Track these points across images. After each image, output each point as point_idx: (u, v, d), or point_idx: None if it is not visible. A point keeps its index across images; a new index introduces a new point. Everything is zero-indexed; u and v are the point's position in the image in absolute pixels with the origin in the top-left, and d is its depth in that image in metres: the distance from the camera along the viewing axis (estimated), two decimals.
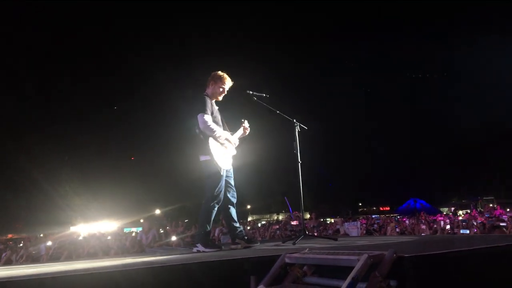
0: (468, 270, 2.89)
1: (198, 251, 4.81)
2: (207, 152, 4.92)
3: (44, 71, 41.61)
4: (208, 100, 5.09)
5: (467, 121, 44.27)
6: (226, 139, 5.17)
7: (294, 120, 5.62)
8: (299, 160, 5.54)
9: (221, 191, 5.03)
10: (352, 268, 2.55)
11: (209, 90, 5.26)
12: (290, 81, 48.84)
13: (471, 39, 43.46)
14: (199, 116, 4.95)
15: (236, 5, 46.87)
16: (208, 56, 41.04)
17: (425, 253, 2.79)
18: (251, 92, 5.38)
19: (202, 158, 5.04)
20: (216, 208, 5.02)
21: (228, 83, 5.29)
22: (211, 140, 4.95)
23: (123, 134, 44.09)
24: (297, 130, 5.59)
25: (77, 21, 43.09)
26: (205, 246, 4.82)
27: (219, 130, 5.06)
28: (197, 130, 5.00)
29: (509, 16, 42.80)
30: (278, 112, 5.58)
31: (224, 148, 5.12)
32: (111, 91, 46.80)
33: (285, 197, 40.02)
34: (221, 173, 4.98)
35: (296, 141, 5.56)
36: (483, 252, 3.00)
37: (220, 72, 5.28)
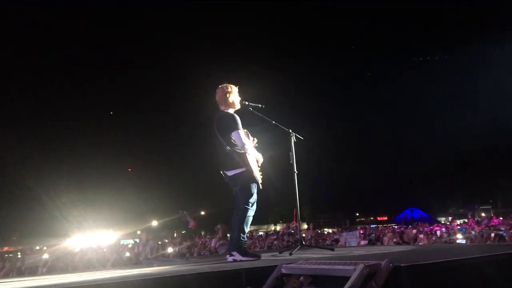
0: (465, 280, 2.88)
1: (235, 260, 4.67)
2: (242, 165, 4.91)
3: (42, 79, 41.71)
4: (238, 117, 5.10)
5: (464, 130, 44.36)
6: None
7: (290, 131, 5.62)
8: (295, 171, 5.53)
9: (255, 201, 5.07)
10: (349, 278, 2.54)
11: (230, 108, 5.26)
12: (287, 92, 49.02)
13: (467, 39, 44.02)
14: (234, 133, 4.94)
15: (234, 14, 47.35)
16: (205, 64, 41.29)
17: (422, 262, 2.78)
18: (246, 103, 5.38)
19: (236, 171, 4.99)
20: (251, 216, 5.01)
21: (235, 89, 5.33)
22: (247, 154, 4.96)
23: (120, 146, 44.05)
24: (293, 140, 5.59)
25: (80, 25, 43.42)
26: (243, 254, 4.71)
27: (251, 147, 5.12)
28: (227, 148, 4.93)
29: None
30: (274, 122, 5.58)
31: (255, 162, 5.15)
32: (110, 103, 46.92)
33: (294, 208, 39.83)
34: (260, 187, 5.06)
35: (292, 151, 5.56)
36: (481, 261, 2.99)
37: (225, 87, 5.30)
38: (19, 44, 39.89)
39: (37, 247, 21.28)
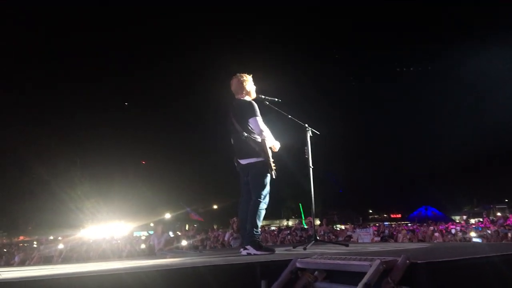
0: (482, 278, 2.84)
1: (249, 254, 4.62)
2: (259, 152, 4.83)
3: (56, 72, 42.07)
4: (256, 104, 5.05)
5: (480, 129, 43.90)
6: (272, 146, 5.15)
7: (306, 125, 5.56)
8: (311, 165, 5.48)
9: (268, 193, 4.98)
10: (364, 274, 2.51)
11: (247, 96, 5.22)
12: (302, 86, 48.93)
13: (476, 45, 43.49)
14: (252, 120, 4.91)
15: (252, 11, 47.38)
16: (221, 59, 41.38)
17: (439, 259, 2.75)
18: (263, 97, 5.34)
19: (251, 160, 4.93)
20: (265, 209, 4.93)
21: (250, 77, 5.29)
22: (266, 142, 4.91)
23: (134, 138, 44.31)
24: (308, 135, 5.53)
25: (97, 20, 43.72)
26: (257, 248, 4.65)
27: (269, 134, 5.07)
28: (244, 134, 4.85)
29: None
30: (290, 116, 5.53)
31: (271, 152, 5.05)
32: (124, 95, 47.22)
33: (299, 204, 39.82)
34: (273, 175, 4.92)
35: (307, 146, 5.51)
36: (497, 260, 2.94)
37: (240, 76, 5.26)
38: (35, 37, 40.28)
39: (52, 237, 21.56)
